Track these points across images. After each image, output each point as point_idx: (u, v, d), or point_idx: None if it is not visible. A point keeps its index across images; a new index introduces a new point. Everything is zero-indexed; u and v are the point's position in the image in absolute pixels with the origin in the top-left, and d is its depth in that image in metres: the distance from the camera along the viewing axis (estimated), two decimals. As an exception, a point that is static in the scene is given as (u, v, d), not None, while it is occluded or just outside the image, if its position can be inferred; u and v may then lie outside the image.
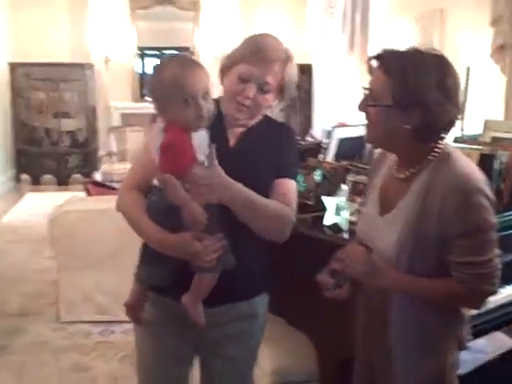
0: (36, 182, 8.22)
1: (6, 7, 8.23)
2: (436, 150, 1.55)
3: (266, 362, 2.38)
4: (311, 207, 2.44)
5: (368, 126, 1.60)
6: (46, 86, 8.05)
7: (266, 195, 1.68)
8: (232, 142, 1.74)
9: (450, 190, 1.47)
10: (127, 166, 6.61)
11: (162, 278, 1.63)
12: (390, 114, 1.51)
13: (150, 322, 1.78)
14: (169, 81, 1.52)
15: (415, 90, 1.47)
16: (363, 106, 1.58)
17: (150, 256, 1.65)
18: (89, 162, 8.29)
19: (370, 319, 1.70)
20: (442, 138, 1.56)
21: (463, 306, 1.62)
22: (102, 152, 7.85)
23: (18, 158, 8.28)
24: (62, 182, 8.14)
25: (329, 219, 2.27)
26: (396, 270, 1.54)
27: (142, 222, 1.63)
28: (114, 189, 5.82)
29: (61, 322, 3.76)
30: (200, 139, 1.56)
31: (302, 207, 2.43)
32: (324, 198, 2.29)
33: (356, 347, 1.80)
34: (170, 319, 1.76)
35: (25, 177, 8.32)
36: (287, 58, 1.73)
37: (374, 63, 1.56)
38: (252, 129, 1.76)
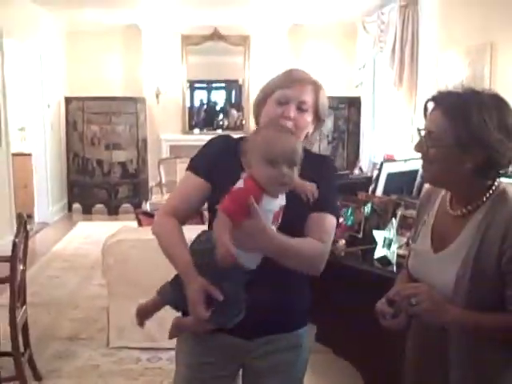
0: (87, 211, 8.46)
1: (63, 43, 8.61)
2: (493, 186, 1.57)
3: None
4: (359, 240, 2.47)
5: (426, 167, 1.62)
6: (100, 118, 8.35)
7: (302, 226, 1.69)
8: None
9: None
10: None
11: (178, 302, 1.68)
12: (451, 153, 1.54)
13: (189, 352, 1.80)
14: (261, 139, 1.58)
15: (479, 131, 1.49)
16: (421, 147, 1.60)
17: (177, 277, 1.69)
18: (138, 193, 8.50)
19: (425, 357, 1.69)
20: (500, 176, 1.58)
21: None
22: (151, 183, 8.03)
23: (71, 188, 8.55)
24: (113, 211, 8.36)
25: (378, 252, 2.29)
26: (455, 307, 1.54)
27: (177, 249, 1.68)
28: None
29: (110, 347, 3.84)
30: (270, 205, 1.56)
31: (351, 241, 2.46)
32: (374, 232, 2.31)
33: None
34: (209, 350, 1.77)
35: (77, 206, 8.57)
36: (318, 85, 1.80)
37: (431, 105, 1.59)
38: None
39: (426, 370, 1.68)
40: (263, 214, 1.53)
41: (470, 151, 1.52)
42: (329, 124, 8.15)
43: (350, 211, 2.42)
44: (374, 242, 2.35)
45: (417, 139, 1.63)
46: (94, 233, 7.19)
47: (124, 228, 4.20)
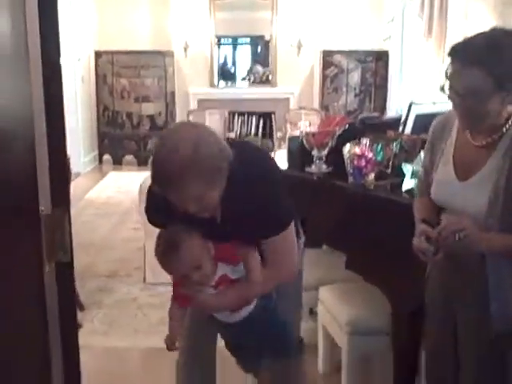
0: (117, 162, 8.67)
1: (93, -3, 8.70)
2: None
3: (343, 315, 2.57)
4: (388, 175, 2.60)
5: (464, 117, 1.71)
6: (128, 72, 8.49)
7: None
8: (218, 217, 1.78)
9: None
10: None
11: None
12: (489, 98, 1.62)
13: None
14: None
15: None
16: (458, 101, 1.67)
17: None
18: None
19: (450, 275, 1.83)
20: None
21: None
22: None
23: (101, 140, 8.75)
24: (142, 162, 8.55)
25: (406, 185, 2.43)
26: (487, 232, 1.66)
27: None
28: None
29: (147, 283, 4.08)
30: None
31: (380, 176, 2.61)
32: (403, 165, 2.44)
33: (430, 300, 1.95)
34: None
35: (107, 158, 8.79)
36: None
37: (459, 53, 1.65)
38: (226, 199, 1.70)
39: (457, 290, 1.82)
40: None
41: (505, 87, 1.60)
42: (356, 77, 8.19)
43: (379, 147, 2.55)
44: (403, 176, 2.49)
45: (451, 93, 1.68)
46: (125, 183, 7.41)
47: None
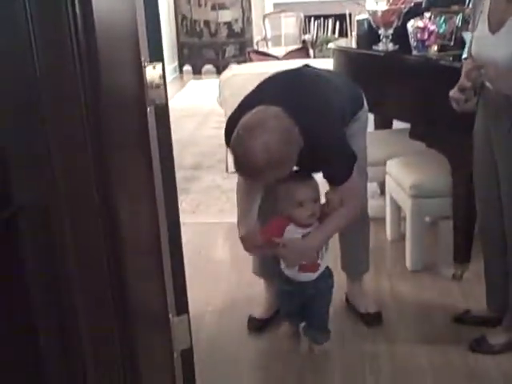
0: (197, 71, 8.96)
1: None
2: None
3: (407, 179, 2.80)
4: (450, 47, 2.73)
5: None
6: (204, -21, 8.59)
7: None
8: None
9: None
10: (282, 50, 7.06)
11: None
12: None
13: None
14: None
15: None
16: None
17: None
18: (244, 52, 8.83)
19: (491, 118, 2.07)
20: None
21: None
22: (257, 38, 8.31)
23: (181, 50, 9.03)
24: (221, 70, 8.79)
25: (466, 52, 2.55)
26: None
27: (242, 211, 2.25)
28: (272, 55, 6.29)
29: (230, 172, 4.42)
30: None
31: (443, 47, 2.74)
32: (464, 34, 2.56)
33: (476, 148, 2.19)
34: None
35: (187, 68, 9.09)
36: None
37: None
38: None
39: (490, 119, 2.07)
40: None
41: None
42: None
43: (442, 19, 2.66)
44: (464, 47, 2.60)
45: None
46: (205, 89, 7.72)
47: (236, 66, 4.64)
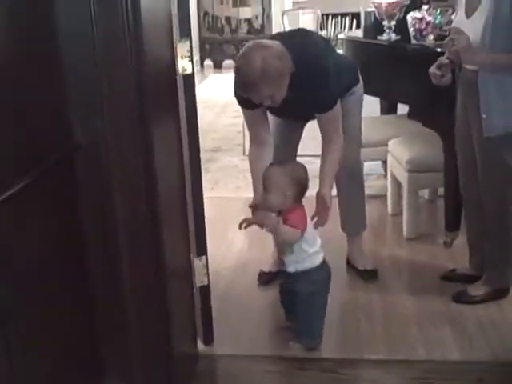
0: (218, 66, 9.31)
1: None
2: None
3: (404, 155, 3.12)
4: (446, 37, 3.02)
5: None
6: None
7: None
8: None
9: None
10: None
11: None
12: None
13: None
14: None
15: None
16: None
17: None
18: (263, 47, 9.16)
19: (466, 94, 2.40)
20: None
21: None
22: (276, 34, 8.61)
23: (203, 46, 9.38)
24: (241, 65, 9.14)
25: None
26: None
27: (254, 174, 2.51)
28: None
29: (246, 154, 4.75)
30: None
31: (440, 37, 3.04)
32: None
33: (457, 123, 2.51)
34: None
35: (208, 63, 9.44)
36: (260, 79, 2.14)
37: None
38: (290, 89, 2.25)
39: (467, 102, 2.39)
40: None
41: None
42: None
43: (438, 11, 2.97)
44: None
45: None
46: (225, 82, 8.06)
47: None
